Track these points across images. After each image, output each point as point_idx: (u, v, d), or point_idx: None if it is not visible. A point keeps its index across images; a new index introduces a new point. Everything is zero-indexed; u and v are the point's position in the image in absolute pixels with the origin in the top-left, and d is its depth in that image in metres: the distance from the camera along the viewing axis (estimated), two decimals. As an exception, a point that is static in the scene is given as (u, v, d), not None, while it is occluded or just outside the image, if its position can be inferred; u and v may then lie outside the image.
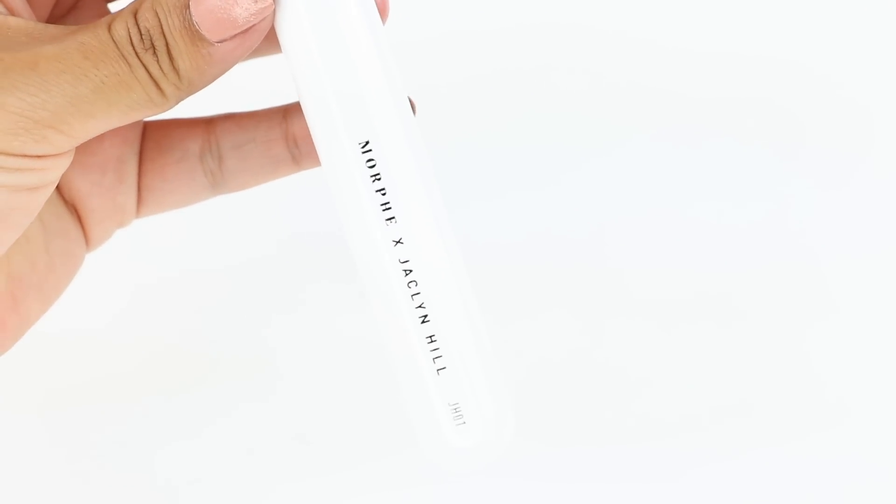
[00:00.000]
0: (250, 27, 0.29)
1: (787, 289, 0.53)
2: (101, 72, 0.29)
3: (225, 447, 0.47)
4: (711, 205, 0.56)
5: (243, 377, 0.50)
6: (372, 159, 0.30)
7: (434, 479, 0.37)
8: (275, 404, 0.49)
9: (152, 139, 0.37)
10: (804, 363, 0.50)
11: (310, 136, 0.36)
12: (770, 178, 0.57)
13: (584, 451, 0.47)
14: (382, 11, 0.31)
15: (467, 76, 0.60)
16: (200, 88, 0.31)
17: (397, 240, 0.31)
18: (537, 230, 0.55)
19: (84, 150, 0.36)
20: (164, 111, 0.31)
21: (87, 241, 0.37)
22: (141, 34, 0.30)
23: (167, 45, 0.30)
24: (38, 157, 0.30)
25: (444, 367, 0.31)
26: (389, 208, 0.31)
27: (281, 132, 0.37)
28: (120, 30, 0.30)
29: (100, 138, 0.36)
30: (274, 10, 0.30)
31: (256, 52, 0.34)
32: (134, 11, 0.30)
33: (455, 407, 0.32)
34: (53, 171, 0.31)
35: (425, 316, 0.31)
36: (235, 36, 0.29)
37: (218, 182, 0.37)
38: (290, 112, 0.37)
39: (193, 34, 0.29)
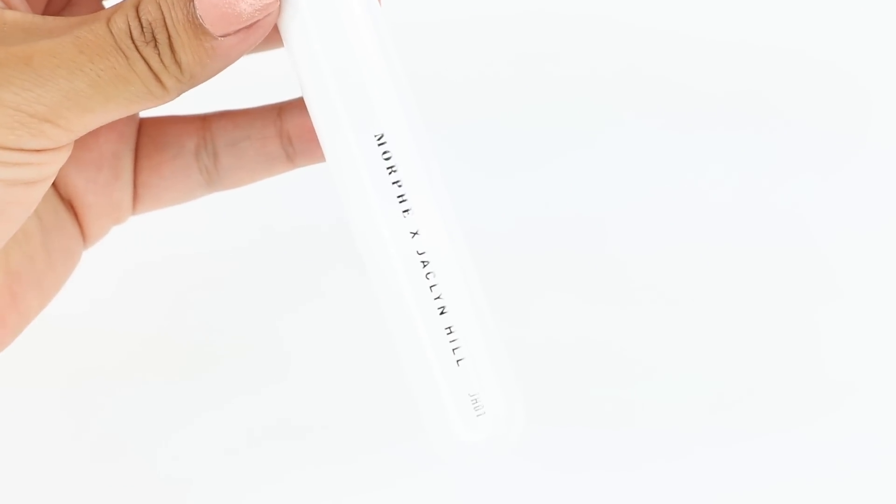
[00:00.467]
0: (255, 22, 0.29)
1: (790, 274, 0.53)
2: (97, 66, 0.29)
3: (227, 436, 0.47)
4: (711, 190, 0.56)
5: (246, 366, 0.50)
6: (387, 151, 0.30)
7: (440, 464, 0.37)
8: (277, 393, 0.49)
9: (148, 136, 0.37)
10: (809, 348, 0.50)
11: (304, 133, 0.37)
12: (769, 163, 0.57)
13: (586, 436, 0.47)
14: None
15: (461, 61, 0.60)
16: (202, 82, 0.30)
17: (414, 232, 0.31)
18: (532, 216, 0.55)
19: (80, 147, 0.36)
20: (165, 103, 0.31)
21: (85, 237, 0.37)
22: (142, 27, 0.29)
23: (169, 37, 0.29)
24: (36, 151, 0.30)
25: (462, 359, 0.31)
26: (405, 200, 0.31)
27: (276, 129, 0.37)
28: (120, 23, 0.29)
29: (95, 135, 0.36)
30: (280, 5, 0.30)
31: (258, 46, 0.34)
32: (136, 4, 0.30)
33: (475, 398, 0.32)
34: (51, 166, 0.31)
35: (443, 307, 0.31)
36: (239, 31, 0.29)
37: (213, 179, 0.37)
38: (285, 109, 0.37)
39: (197, 28, 0.29)
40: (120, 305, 0.51)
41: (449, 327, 0.31)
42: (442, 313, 0.31)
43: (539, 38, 0.61)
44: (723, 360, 0.50)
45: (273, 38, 0.31)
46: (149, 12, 0.29)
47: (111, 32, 0.29)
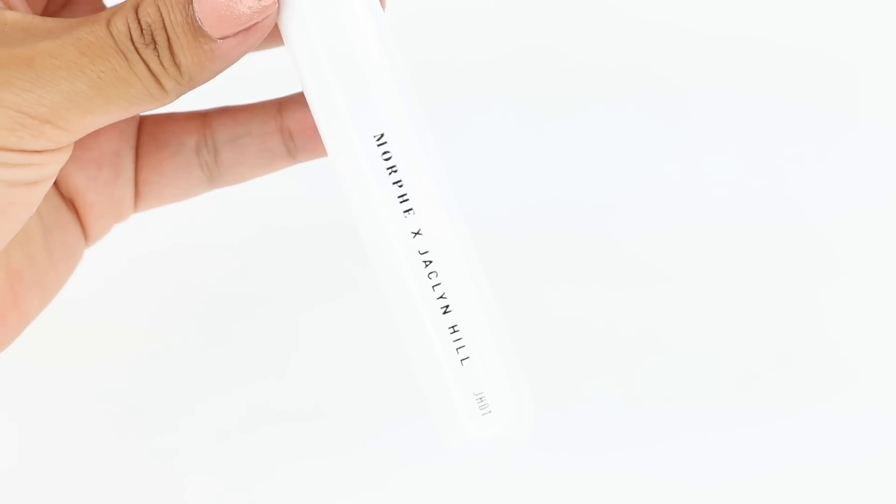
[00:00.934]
0: (253, 24, 0.29)
1: (793, 256, 0.53)
2: (98, 67, 0.29)
3: (226, 426, 0.48)
4: (711, 173, 0.57)
5: (246, 362, 0.50)
6: (387, 152, 0.30)
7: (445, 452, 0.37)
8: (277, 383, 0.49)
9: (148, 134, 0.37)
10: (817, 328, 0.51)
11: (305, 129, 0.37)
12: (770, 147, 0.57)
13: (597, 420, 0.48)
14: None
15: (464, 48, 0.60)
16: (201, 83, 0.30)
17: (416, 231, 0.31)
18: (538, 203, 0.55)
19: (80, 146, 0.36)
20: (163, 105, 0.31)
21: (86, 235, 0.37)
22: (142, 29, 0.29)
23: (168, 40, 0.29)
24: (36, 151, 0.30)
25: (467, 357, 0.31)
26: (407, 200, 0.31)
27: (276, 125, 0.37)
28: (120, 24, 0.29)
29: (96, 134, 0.36)
30: (278, 7, 0.30)
31: (258, 46, 0.34)
32: (135, 6, 0.30)
33: (480, 396, 0.32)
34: (52, 166, 0.31)
35: (447, 306, 0.31)
36: (238, 33, 0.29)
37: (214, 176, 0.37)
38: (285, 105, 0.37)
39: (196, 30, 0.29)
40: (119, 297, 0.51)
41: (453, 326, 0.31)
42: (445, 312, 0.31)
43: (543, 24, 0.61)
44: (730, 344, 0.50)
45: (272, 37, 0.31)
46: (148, 14, 0.29)
47: (111, 34, 0.30)
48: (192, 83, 0.30)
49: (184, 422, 0.48)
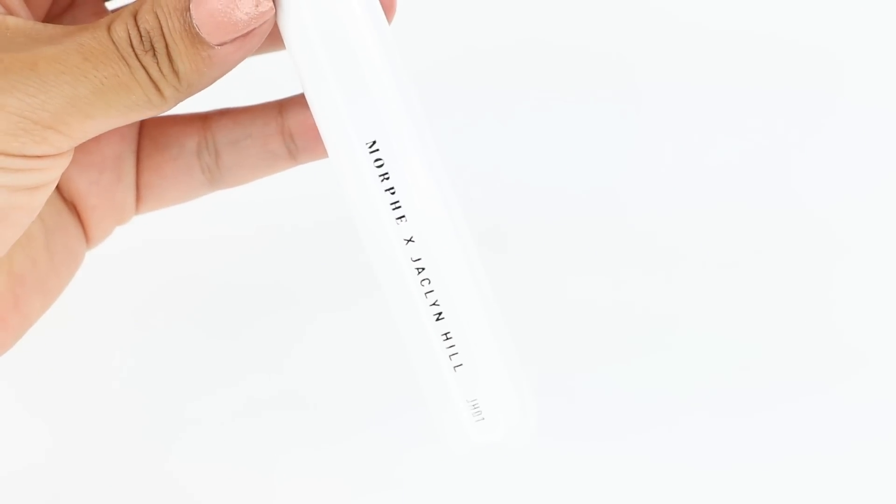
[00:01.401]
0: (251, 31, 0.29)
1: (794, 236, 0.53)
2: (101, 73, 0.29)
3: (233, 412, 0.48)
4: (711, 155, 0.57)
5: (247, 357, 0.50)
6: (380, 159, 0.30)
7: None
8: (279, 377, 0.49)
9: (149, 136, 0.37)
10: (823, 309, 0.51)
11: (306, 130, 0.37)
12: (766, 124, 0.58)
13: (606, 406, 0.48)
14: (388, 10, 0.31)
15: (466, 41, 0.60)
16: (200, 90, 0.31)
17: (408, 238, 0.31)
18: (542, 192, 0.56)
19: (82, 149, 0.36)
20: (163, 112, 0.31)
21: (88, 238, 0.37)
22: (141, 36, 0.29)
23: (167, 46, 0.29)
24: (38, 157, 0.30)
25: (460, 364, 0.31)
26: (399, 207, 0.31)
27: (277, 127, 0.37)
28: (119, 31, 0.30)
29: (97, 138, 0.36)
30: (275, 13, 0.30)
31: (257, 50, 0.34)
32: (134, 13, 0.30)
33: (473, 403, 0.32)
34: (53, 171, 0.31)
35: (439, 313, 0.31)
36: (236, 39, 0.29)
37: (215, 178, 0.37)
38: (286, 107, 0.37)
39: (193, 37, 0.29)
40: (118, 293, 0.52)
41: (446, 333, 0.31)
42: (438, 319, 0.31)
43: (542, 22, 0.61)
44: (734, 332, 0.50)
45: (271, 41, 0.32)
46: (146, 21, 0.29)
47: (112, 40, 0.30)
48: (191, 90, 0.30)
49: (183, 414, 0.48)
